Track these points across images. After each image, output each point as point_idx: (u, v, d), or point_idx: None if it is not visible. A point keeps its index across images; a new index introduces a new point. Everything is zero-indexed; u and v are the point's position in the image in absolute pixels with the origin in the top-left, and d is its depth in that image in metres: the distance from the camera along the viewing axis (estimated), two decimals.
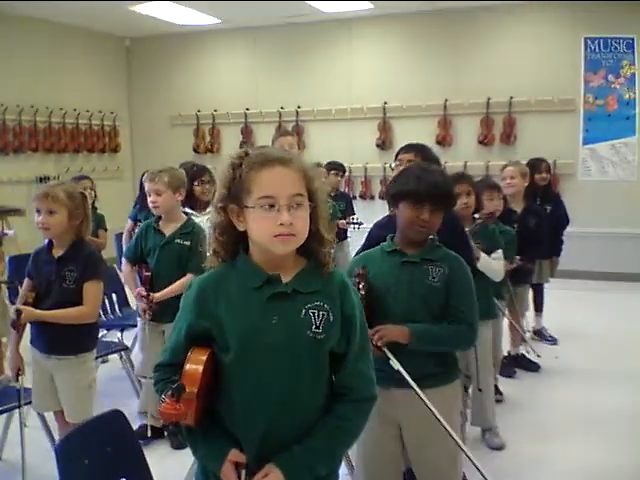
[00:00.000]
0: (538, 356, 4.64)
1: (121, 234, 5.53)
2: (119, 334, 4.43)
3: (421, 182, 2.16)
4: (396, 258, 2.20)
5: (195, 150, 9.46)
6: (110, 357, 4.39)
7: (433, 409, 2.05)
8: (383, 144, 8.57)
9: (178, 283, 3.26)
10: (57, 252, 2.77)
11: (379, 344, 2.07)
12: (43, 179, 8.24)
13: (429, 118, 8.32)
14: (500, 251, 3.44)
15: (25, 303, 2.72)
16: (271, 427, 1.49)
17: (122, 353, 4.19)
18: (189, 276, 3.23)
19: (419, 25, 8.35)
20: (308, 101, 8.88)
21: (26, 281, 2.86)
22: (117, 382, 4.33)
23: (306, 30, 8.77)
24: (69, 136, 8.74)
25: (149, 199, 3.41)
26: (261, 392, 1.48)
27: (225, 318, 1.49)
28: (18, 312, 2.66)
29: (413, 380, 2.08)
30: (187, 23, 8.74)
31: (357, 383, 1.55)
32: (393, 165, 2.88)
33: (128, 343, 4.39)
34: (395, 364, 2.08)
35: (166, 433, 3.50)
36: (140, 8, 7.93)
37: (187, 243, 3.34)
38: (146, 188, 3.42)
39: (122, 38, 9.70)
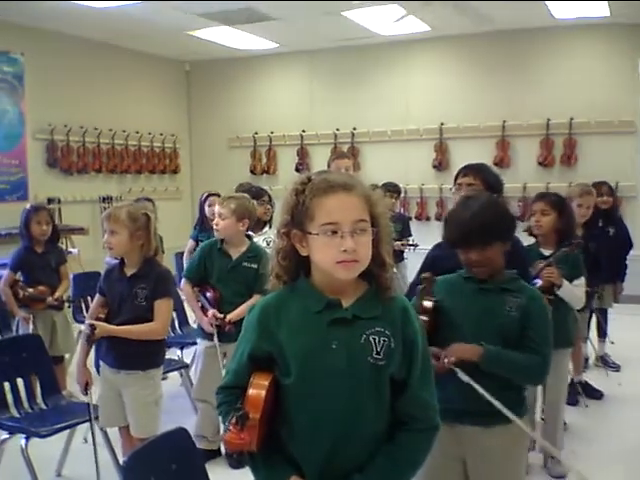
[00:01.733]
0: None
1: (181, 253, 5.66)
2: (179, 352, 4.49)
3: (456, 227, 2.13)
4: (473, 285, 2.15)
5: (252, 171, 9.61)
6: (169, 375, 4.46)
7: (510, 415, 1.96)
8: (440, 165, 8.53)
9: (249, 303, 3.30)
10: (129, 270, 2.87)
11: (449, 360, 2.03)
12: (106, 199, 8.52)
13: (486, 139, 8.26)
14: (582, 278, 3.32)
15: (97, 319, 2.81)
16: (332, 453, 1.48)
17: (182, 371, 4.26)
18: (258, 297, 3.27)
19: (476, 46, 8.33)
20: (364, 123, 8.93)
21: (98, 298, 2.96)
22: (175, 399, 4.39)
23: (362, 52, 8.84)
24: (131, 157, 9.02)
25: (215, 220, 3.46)
26: (322, 418, 1.47)
27: (286, 341, 1.49)
28: (92, 327, 2.74)
29: (479, 416, 2.02)
30: (245, 47, 8.93)
31: (419, 411, 1.53)
32: (453, 189, 2.84)
33: (187, 361, 4.45)
34: (464, 377, 2.01)
35: (224, 453, 3.52)
36: (200, 33, 8.15)
37: (254, 266, 3.38)
38: (215, 209, 3.49)
39: (182, 62, 9.98)
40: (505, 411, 1.96)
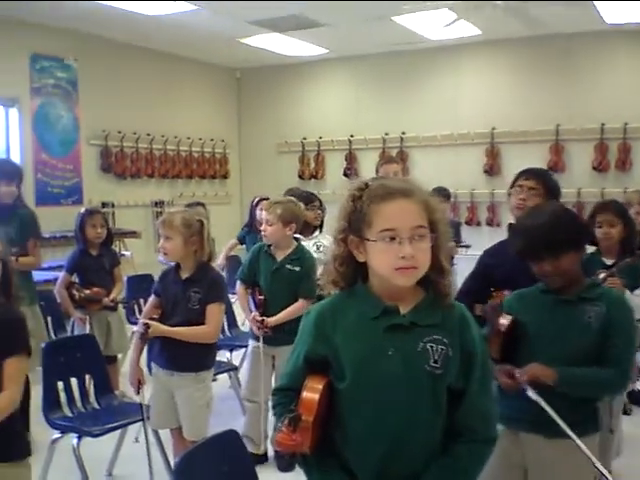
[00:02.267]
0: None
1: (232, 256, 5.72)
2: (228, 354, 4.53)
3: (527, 238, 2.06)
4: (550, 297, 2.08)
5: (300, 176, 9.65)
6: (219, 377, 4.49)
7: (582, 447, 1.86)
8: (491, 170, 8.41)
9: (291, 308, 3.32)
10: (184, 274, 2.91)
11: (522, 379, 1.95)
12: (158, 203, 8.69)
13: (539, 144, 8.11)
14: None
15: (150, 319, 2.86)
16: (386, 461, 1.46)
17: (231, 373, 4.28)
18: (302, 301, 3.30)
19: (527, 50, 8.20)
20: (412, 127, 8.87)
21: (152, 298, 3.01)
22: (224, 401, 4.42)
23: (412, 57, 8.79)
24: (183, 163, 9.17)
25: (262, 226, 3.48)
26: (376, 424, 1.45)
27: (341, 346, 1.48)
28: (146, 325, 2.79)
29: (544, 425, 1.93)
30: (294, 54, 8.98)
31: (476, 423, 1.49)
32: (511, 192, 2.77)
33: (236, 363, 4.48)
34: (534, 396, 1.93)
35: (274, 455, 3.52)
36: (250, 40, 8.24)
37: (297, 269, 3.39)
38: (262, 215, 3.50)
39: (233, 69, 10.10)
40: (569, 432, 1.86)
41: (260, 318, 3.33)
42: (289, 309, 3.32)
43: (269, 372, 3.53)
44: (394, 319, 1.47)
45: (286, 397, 1.55)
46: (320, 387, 1.48)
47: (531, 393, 1.94)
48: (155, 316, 2.87)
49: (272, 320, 3.33)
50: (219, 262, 5.15)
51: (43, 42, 7.31)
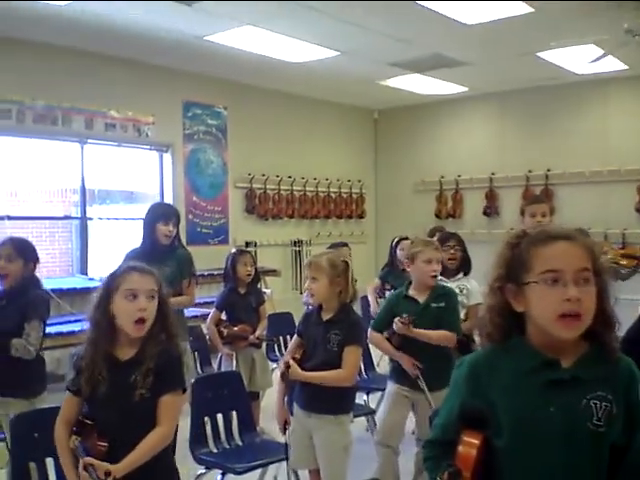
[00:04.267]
0: None
1: (365, 296, 5.72)
2: (365, 397, 4.48)
3: None
4: None
5: (437, 215, 9.53)
6: (355, 419, 4.44)
7: None
8: None
9: (437, 337, 3.25)
10: (325, 315, 2.93)
11: None
12: (296, 243, 8.92)
13: None
14: None
15: (292, 359, 2.89)
16: None
17: (368, 417, 4.23)
18: (448, 333, 3.25)
19: None
20: (558, 163, 8.51)
21: (295, 339, 3.05)
22: (360, 445, 4.35)
23: (556, 91, 8.48)
24: (321, 203, 9.38)
25: (429, 266, 3.36)
26: None
27: (497, 401, 1.42)
28: (287, 366, 2.82)
29: None
30: (432, 92, 8.97)
31: None
32: None
33: (373, 406, 4.42)
34: None
35: None
36: (390, 82, 8.34)
37: (442, 304, 3.33)
38: (428, 256, 3.38)
39: (371, 110, 10.26)
40: None
41: (418, 365, 3.26)
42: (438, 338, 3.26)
43: (405, 417, 3.46)
44: (555, 373, 1.38)
45: (438, 450, 1.51)
46: (477, 442, 1.42)
47: None
48: (297, 356, 2.91)
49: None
50: (372, 309, 5.17)
51: (195, 90, 7.82)
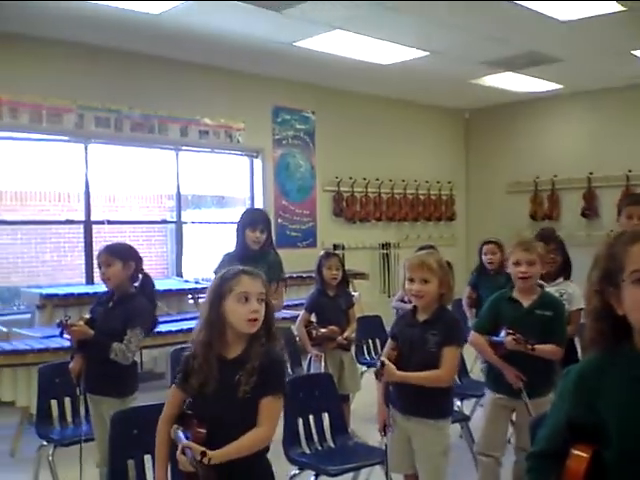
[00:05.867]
0: None
1: (458, 300, 5.59)
2: (459, 403, 4.36)
3: None
4: None
5: (532, 217, 9.23)
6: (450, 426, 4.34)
7: None
8: None
9: (548, 350, 3.10)
10: (422, 316, 2.86)
11: None
12: (384, 246, 8.85)
13: None
14: None
15: (388, 359, 2.83)
16: None
17: (462, 423, 4.12)
18: (556, 348, 3.09)
19: None
20: None
21: (390, 341, 2.98)
22: (453, 451, 4.25)
23: None
24: (409, 205, 9.27)
25: (517, 268, 3.25)
26: None
27: (607, 414, 1.33)
28: (382, 363, 2.76)
29: None
30: (526, 90, 8.70)
31: None
32: None
33: (467, 412, 4.31)
34: None
35: None
36: (482, 81, 8.15)
37: (548, 313, 3.17)
38: (517, 257, 3.26)
39: (462, 110, 10.07)
40: None
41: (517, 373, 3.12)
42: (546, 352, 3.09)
43: (506, 427, 3.34)
44: None
45: (542, 462, 1.44)
46: (586, 456, 1.32)
47: None
48: (392, 359, 2.83)
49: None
50: (469, 317, 5.05)
51: (284, 96, 7.92)
